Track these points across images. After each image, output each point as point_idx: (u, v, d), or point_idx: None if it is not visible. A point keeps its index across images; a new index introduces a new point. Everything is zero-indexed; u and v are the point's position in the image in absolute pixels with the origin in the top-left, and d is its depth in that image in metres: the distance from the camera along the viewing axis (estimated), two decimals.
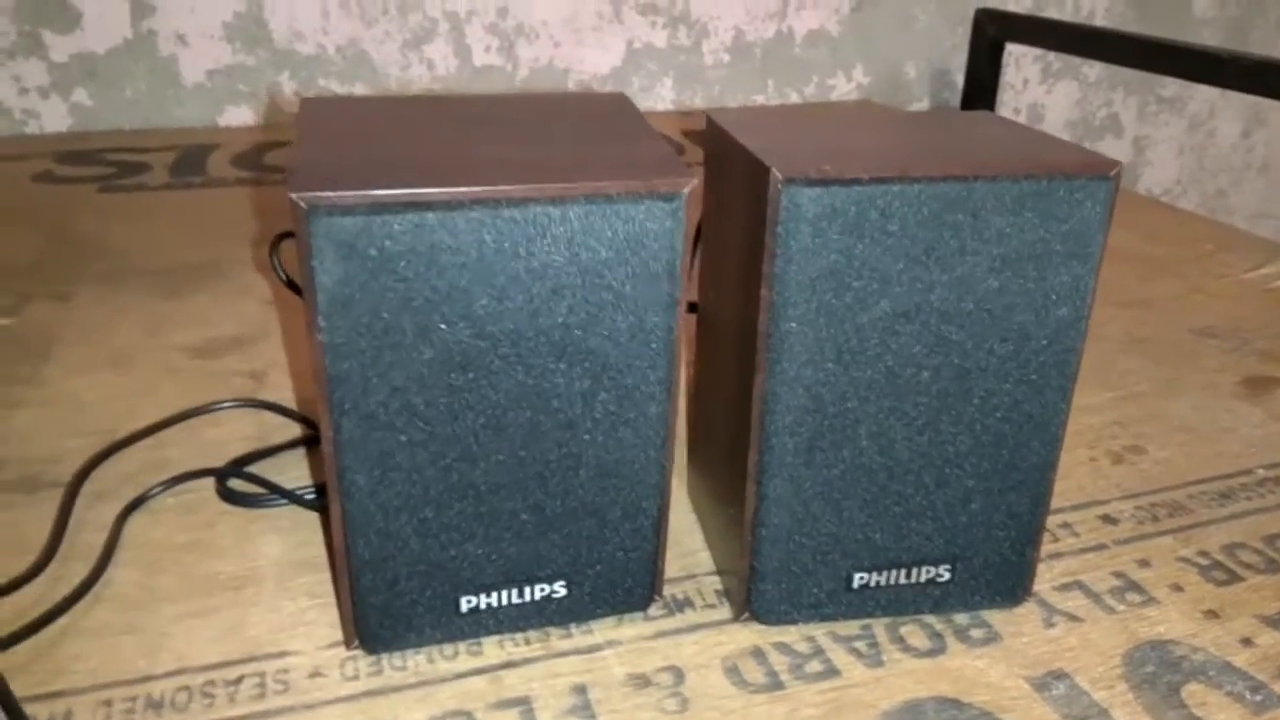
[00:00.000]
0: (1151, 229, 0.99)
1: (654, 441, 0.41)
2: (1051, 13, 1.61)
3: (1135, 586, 0.48)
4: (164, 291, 0.78)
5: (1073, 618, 0.45)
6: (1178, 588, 0.48)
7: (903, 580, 0.44)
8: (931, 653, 0.43)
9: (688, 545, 0.50)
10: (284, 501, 0.52)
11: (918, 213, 0.37)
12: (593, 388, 0.39)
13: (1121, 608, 0.46)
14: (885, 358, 0.39)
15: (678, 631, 0.44)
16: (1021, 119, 1.67)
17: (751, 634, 0.44)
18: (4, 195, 1.01)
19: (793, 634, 0.44)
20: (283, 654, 0.42)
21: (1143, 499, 0.55)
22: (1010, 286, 0.39)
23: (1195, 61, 1.06)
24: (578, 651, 0.43)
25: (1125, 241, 0.94)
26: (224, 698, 0.40)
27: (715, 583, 0.47)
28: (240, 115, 1.28)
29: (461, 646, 0.43)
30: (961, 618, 0.45)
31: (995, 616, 0.45)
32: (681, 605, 0.45)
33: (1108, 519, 0.53)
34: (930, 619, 0.45)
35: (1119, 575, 0.48)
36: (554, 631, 0.44)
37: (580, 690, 0.41)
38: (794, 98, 1.52)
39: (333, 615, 0.44)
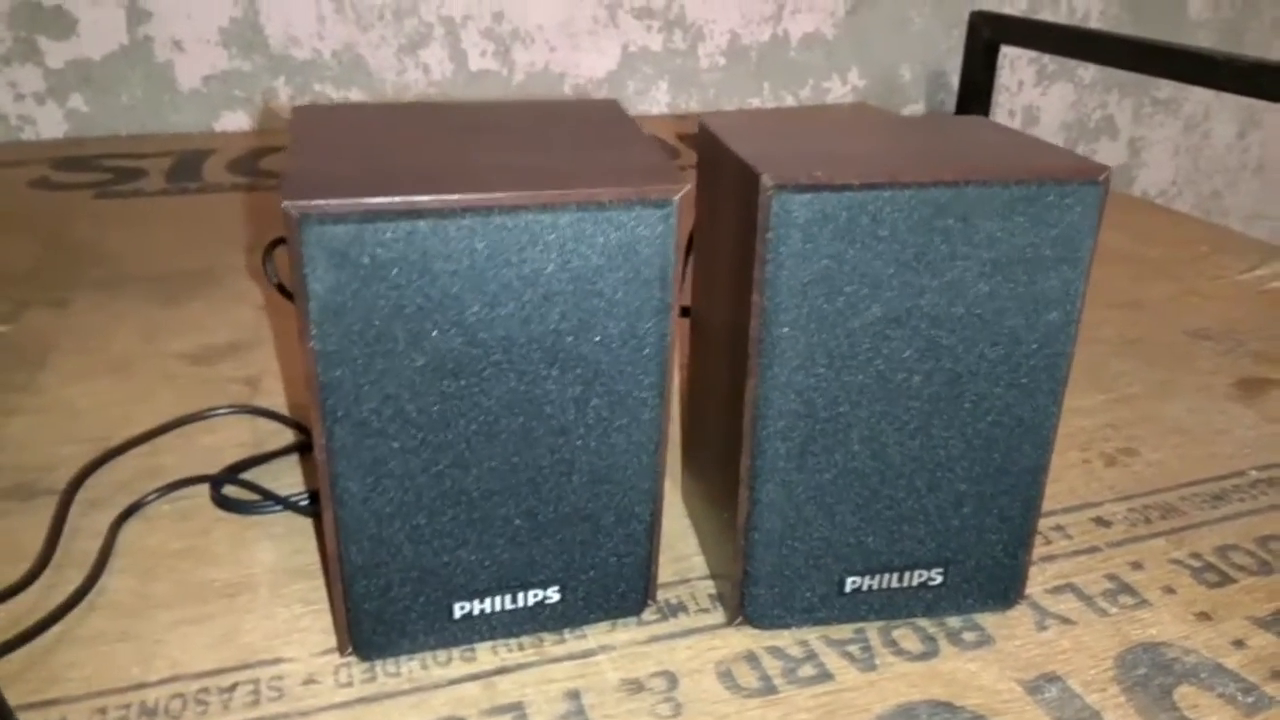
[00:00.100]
0: (1146, 231, 0.99)
1: (646, 447, 0.41)
2: (1046, 15, 1.62)
3: (1127, 589, 0.48)
4: (160, 298, 0.78)
5: (1065, 620, 0.45)
6: (1170, 590, 0.48)
7: (895, 584, 0.44)
8: (924, 656, 0.43)
9: (681, 549, 0.50)
10: (278, 508, 0.52)
11: (908, 218, 0.37)
12: (585, 394, 0.39)
13: (1114, 610, 0.46)
14: (876, 362, 0.40)
15: (671, 636, 0.44)
16: (1017, 121, 1.68)
17: (745, 638, 0.44)
18: (1, 202, 1.01)
19: (786, 638, 0.44)
20: (277, 661, 0.42)
21: (1135, 501, 0.55)
22: (1000, 291, 0.39)
23: (1190, 63, 1.07)
24: (571, 657, 0.43)
25: (1120, 243, 0.95)
26: (218, 705, 0.40)
27: (709, 587, 0.47)
28: (236, 121, 1.28)
29: (455, 652, 0.43)
30: (954, 621, 0.45)
31: (988, 619, 0.45)
32: (675, 610, 0.46)
33: (1100, 521, 0.53)
34: (923, 622, 0.45)
35: (1111, 577, 0.48)
36: (547, 637, 0.44)
37: (574, 695, 0.41)
38: (789, 101, 1.52)
39: (327, 622, 0.44)
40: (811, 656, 0.43)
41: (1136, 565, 0.49)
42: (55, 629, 0.43)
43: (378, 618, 0.41)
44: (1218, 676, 0.42)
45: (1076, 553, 0.50)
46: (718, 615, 0.45)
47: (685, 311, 0.51)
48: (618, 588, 0.43)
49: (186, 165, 1.13)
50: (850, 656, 0.43)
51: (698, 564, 0.49)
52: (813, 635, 0.44)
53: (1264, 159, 1.90)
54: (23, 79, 1.20)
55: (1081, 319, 0.40)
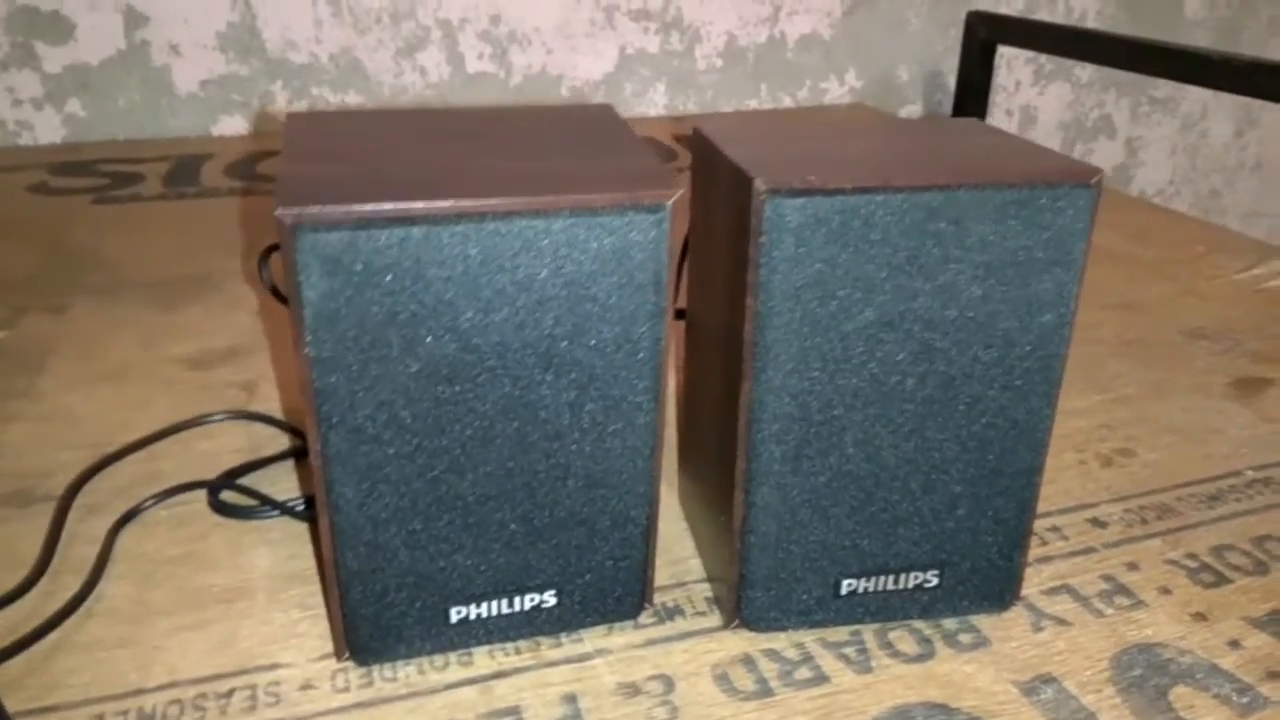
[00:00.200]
0: (1143, 230, 0.99)
1: (642, 451, 0.41)
2: (1043, 15, 1.62)
3: (1123, 590, 0.48)
4: (158, 304, 0.78)
5: (1061, 621, 0.46)
6: (1166, 590, 0.48)
7: (891, 586, 0.44)
8: (920, 658, 0.43)
9: (678, 552, 0.50)
10: (275, 513, 0.52)
11: (901, 222, 0.37)
12: (580, 398, 0.39)
13: (1109, 611, 0.46)
14: (870, 365, 0.40)
15: (668, 639, 0.44)
16: (1014, 121, 1.68)
17: (741, 641, 0.44)
18: None
19: (782, 641, 0.44)
20: (274, 666, 0.42)
21: (1131, 502, 0.55)
22: (994, 294, 0.39)
23: (1187, 63, 1.07)
24: (568, 660, 0.43)
25: (1116, 243, 0.95)
26: (215, 711, 0.40)
27: (705, 590, 0.47)
28: (234, 125, 1.29)
29: (452, 657, 0.43)
30: (950, 623, 0.45)
31: (983, 621, 0.45)
32: (672, 613, 0.46)
33: (1096, 522, 0.53)
34: (919, 624, 0.45)
35: (1107, 578, 0.48)
36: (544, 641, 0.44)
37: (570, 699, 0.41)
38: (787, 102, 1.52)
39: (324, 627, 0.44)
40: (808, 659, 0.43)
41: (1132, 566, 0.49)
42: (53, 635, 0.43)
43: (374, 623, 0.41)
44: (1213, 677, 0.42)
45: (1072, 554, 0.50)
46: (714, 618, 0.45)
47: (680, 314, 0.51)
48: (614, 591, 0.44)
49: (184, 170, 1.14)
50: (846, 659, 0.43)
51: (694, 567, 0.49)
52: (809, 638, 0.44)
53: (1261, 157, 1.90)
54: (20, 84, 1.20)
55: (1076, 320, 0.40)
